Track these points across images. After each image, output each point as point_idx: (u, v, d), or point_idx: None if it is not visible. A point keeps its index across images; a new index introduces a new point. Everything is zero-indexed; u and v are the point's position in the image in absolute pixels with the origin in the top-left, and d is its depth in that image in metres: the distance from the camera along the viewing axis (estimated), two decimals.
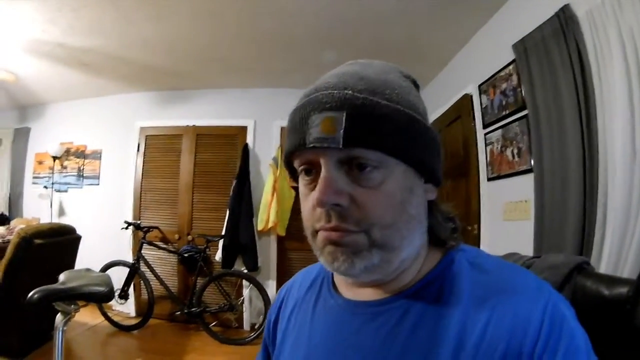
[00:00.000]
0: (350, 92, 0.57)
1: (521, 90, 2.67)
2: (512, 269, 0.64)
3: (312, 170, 0.62)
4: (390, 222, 0.59)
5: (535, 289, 0.58)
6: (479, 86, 3.30)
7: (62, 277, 1.93)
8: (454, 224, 0.72)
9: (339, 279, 0.77)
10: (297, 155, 0.63)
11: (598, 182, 1.98)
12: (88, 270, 2.18)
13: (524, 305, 0.55)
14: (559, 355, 0.50)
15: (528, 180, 2.61)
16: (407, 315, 0.62)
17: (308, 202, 0.63)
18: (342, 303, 0.72)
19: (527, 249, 2.43)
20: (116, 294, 4.33)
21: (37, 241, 3.07)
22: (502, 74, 2.94)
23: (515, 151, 2.79)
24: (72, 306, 1.82)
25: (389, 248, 0.60)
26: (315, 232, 0.63)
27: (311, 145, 0.57)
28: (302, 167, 0.64)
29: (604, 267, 1.83)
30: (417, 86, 0.70)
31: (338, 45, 3.66)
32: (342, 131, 0.55)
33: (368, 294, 0.69)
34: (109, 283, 1.96)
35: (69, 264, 3.63)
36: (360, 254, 0.59)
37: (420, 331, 0.59)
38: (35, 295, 1.70)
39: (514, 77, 2.77)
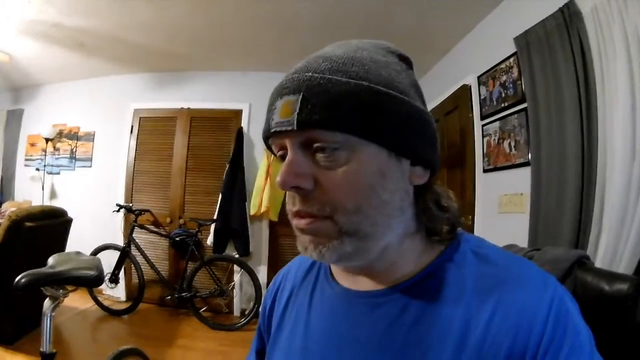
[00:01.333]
0: (310, 73, 0.56)
1: (521, 83, 2.65)
2: (517, 260, 0.63)
3: (284, 155, 0.60)
4: (354, 207, 0.57)
5: (541, 282, 0.56)
6: (478, 77, 3.28)
7: (50, 260, 1.90)
8: (448, 213, 0.67)
9: (335, 267, 0.75)
10: (270, 141, 0.62)
11: (596, 177, 1.99)
12: (78, 253, 2.14)
13: (530, 299, 0.54)
14: (563, 351, 0.50)
15: (524, 173, 2.61)
16: (408, 308, 0.60)
17: None
18: (339, 292, 0.70)
19: (521, 242, 2.42)
20: (106, 278, 4.34)
21: (28, 224, 3.06)
22: (502, 66, 2.92)
23: (513, 144, 2.78)
24: (61, 291, 1.78)
25: (361, 236, 0.58)
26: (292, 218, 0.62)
27: (272, 130, 0.58)
28: (278, 153, 0.62)
29: (599, 262, 1.84)
30: (407, 62, 0.66)
31: (338, 30, 3.62)
32: (295, 114, 0.54)
33: (365, 283, 0.67)
34: (98, 267, 1.93)
35: (60, 247, 3.62)
36: (329, 244, 0.58)
37: (421, 326, 0.58)
38: (23, 280, 1.66)
39: (515, 70, 2.75)
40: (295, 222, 0.60)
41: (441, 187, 0.69)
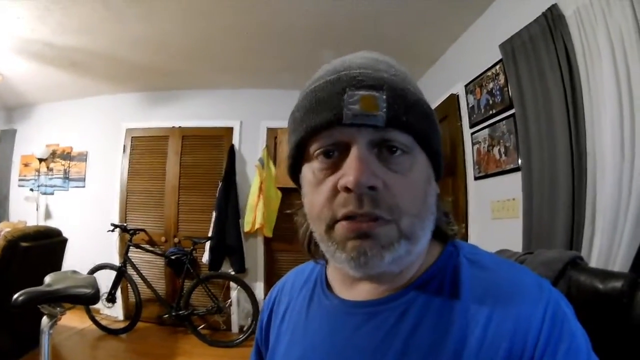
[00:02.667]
0: (386, 74, 0.57)
1: (508, 90, 2.68)
2: (510, 266, 0.64)
3: (334, 153, 0.59)
4: (417, 211, 0.59)
5: (535, 287, 0.57)
6: (466, 86, 3.31)
7: (47, 279, 1.93)
8: (448, 218, 0.70)
9: (335, 278, 0.74)
10: (322, 135, 0.58)
11: (587, 179, 2.00)
12: (74, 272, 2.16)
13: (525, 304, 0.55)
14: (559, 355, 0.50)
15: (515, 179, 2.62)
16: (406, 314, 0.61)
17: (324, 189, 0.59)
18: (337, 303, 0.70)
19: (515, 247, 2.43)
20: (104, 297, 4.33)
21: (24, 244, 3.05)
22: (488, 73, 2.95)
23: (502, 150, 2.80)
24: (58, 309, 1.81)
25: (414, 239, 0.58)
26: (333, 224, 0.58)
27: (349, 122, 0.54)
28: (322, 149, 0.59)
29: (594, 263, 1.84)
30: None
31: (328, 45, 3.66)
32: (383, 111, 0.54)
33: (363, 293, 0.67)
34: (94, 285, 1.95)
35: (56, 267, 3.59)
36: (390, 247, 0.56)
37: (420, 331, 0.58)
38: (20, 298, 1.69)
39: (501, 77, 2.78)
40: (354, 226, 0.56)
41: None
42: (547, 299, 0.55)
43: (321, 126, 0.57)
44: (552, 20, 2.18)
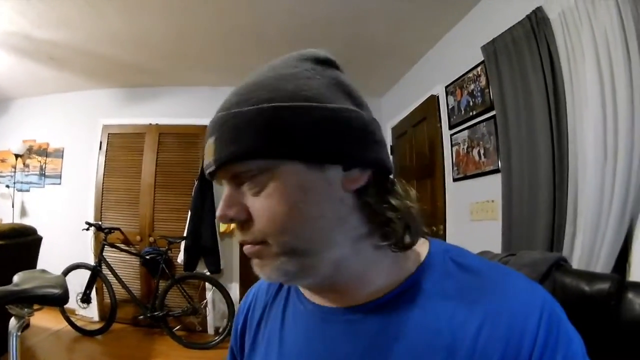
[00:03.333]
0: (221, 113, 0.58)
1: (489, 92, 2.71)
2: (501, 270, 0.61)
3: None
4: (281, 228, 0.55)
5: (529, 292, 0.55)
6: (446, 87, 3.34)
7: (15, 278, 1.87)
8: (401, 213, 0.60)
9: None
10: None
11: (568, 182, 2.02)
12: (43, 271, 2.09)
13: (519, 310, 0.53)
14: None
15: (495, 181, 2.65)
16: (390, 322, 0.58)
17: None
18: (312, 309, 0.68)
19: (494, 248, 2.44)
20: (79, 297, 4.29)
21: None
22: (470, 75, 2.98)
23: (482, 151, 2.82)
24: (26, 310, 1.75)
25: (300, 254, 0.57)
26: None
27: (206, 173, 0.60)
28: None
29: (576, 263, 1.87)
30: (324, 63, 0.63)
31: (308, 44, 3.61)
32: (213, 156, 0.56)
33: (337, 299, 0.64)
34: (63, 285, 1.89)
35: (30, 265, 3.51)
36: (269, 265, 0.57)
37: (406, 340, 0.56)
38: None
39: (482, 79, 2.81)
40: (244, 249, 0.60)
41: (403, 186, 0.64)
42: (541, 305, 0.53)
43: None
44: (537, 23, 2.21)
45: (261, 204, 0.55)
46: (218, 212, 0.58)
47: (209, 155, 0.57)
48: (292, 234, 0.55)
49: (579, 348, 0.51)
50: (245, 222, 0.57)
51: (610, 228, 1.75)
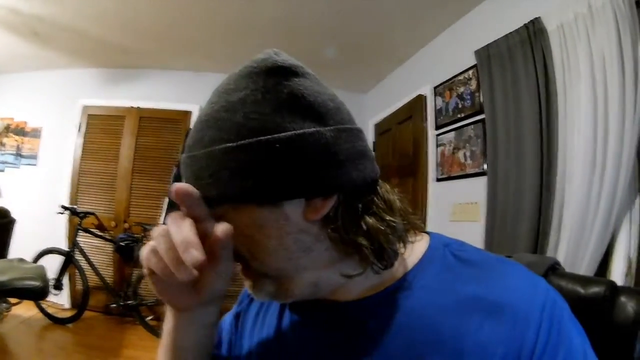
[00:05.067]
0: (185, 155, 0.57)
1: (479, 95, 2.74)
2: (501, 261, 0.60)
3: None
4: (250, 255, 0.57)
5: (531, 286, 0.55)
6: (435, 88, 3.37)
7: None
8: (380, 243, 0.56)
9: None
10: None
11: (555, 189, 2.07)
12: (21, 260, 1.98)
13: (521, 302, 0.52)
14: (559, 357, 0.49)
15: (479, 183, 2.69)
16: (394, 317, 0.57)
17: None
18: (311, 303, 0.66)
19: None
20: (51, 284, 4.12)
21: None
22: (460, 78, 3.01)
23: (468, 154, 2.86)
24: (4, 305, 1.65)
25: (274, 277, 0.59)
26: None
27: None
28: None
29: None
30: (278, 74, 0.54)
31: (295, 37, 3.63)
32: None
33: (336, 294, 0.63)
34: (43, 277, 1.80)
35: (2, 249, 3.40)
36: (256, 284, 0.60)
37: (411, 335, 0.55)
38: None
39: (473, 82, 2.84)
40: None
41: (386, 195, 0.61)
42: (543, 300, 0.52)
43: None
44: (534, 33, 2.25)
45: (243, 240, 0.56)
46: None
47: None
48: (259, 261, 0.57)
49: (580, 342, 0.51)
50: None
51: (594, 236, 1.81)
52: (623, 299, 1.01)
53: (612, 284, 1.05)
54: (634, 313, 0.98)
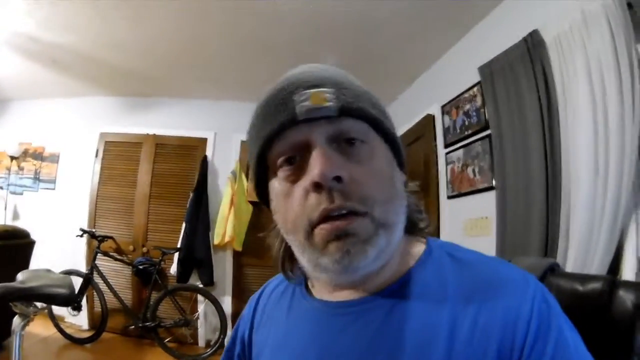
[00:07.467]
0: (328, 74, 0.61)
1: (484, 111, 2.78)
2: (493, 261, 0.64)
3: (295, 158, 0.60)
4: (387, 197, 0.60)
5: (522, 282, 0.58)
6: (442, 107, 3.41)
7: (20, 276, 1.83)
8: (419, 208, 0.71)
9: (316, 284, 0.74)
10: (280, 141, 0.60)
11: (561, 197, 2.08)
12: (48, 271, 2.06)
13: (513, 297, 0.55)
14: (549, 347, 0.51)
15: (489, 198, 2.70)
16: (393, 312, 0.60)
17: (294, 196, 0.60)
18: (318, 305, 0.70)
19: None
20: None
21: None
22: (466, 95, 3.05)
23: (477, 169, 2.88)
24: (31, 308, 1.72)
25: (389, 226, 0.59)
26: (311, 230, 0.58)
27: (303, 117, 0.57)
28: (283, 157, 0.61)
29: None
30: None
31: (310, 60, 3.71)
32: (334, 101, 0.57)
33: (346, 294, 0.67)
34: (70, 285, 1.87)
35: (23, 269, 3.45)
36: (370, 240, 0.57)
37: (409, 329, 0.58)
38: None
39: (478, 99, 2.88)
40: (331, 227, 0.56)
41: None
42: (533, 292, 0.56)
43: (277, 130, 0.59)
44: (532, 45, 2.29)
45: (371, 172, 0.59)
46: (320, 169, 0.54)
47: (320, 100, 0.57)
48: (391, 204, 0.60)
49: (569, 334, 0.53)
50: (346, 185, 0.56)
51: (602, 243, 1.81)
52: (622, 292, 1.02)
53: (611, 279, 1.07)
54: (633, 306, 1.00)
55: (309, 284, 0.76)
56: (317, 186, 0.55)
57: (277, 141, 0.60)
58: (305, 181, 0.57)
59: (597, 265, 1.81)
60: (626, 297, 1.00)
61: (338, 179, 0.55)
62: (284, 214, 0.62)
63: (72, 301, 1.84)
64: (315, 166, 0.55)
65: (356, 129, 0.59)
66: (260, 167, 0.65)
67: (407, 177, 0.71)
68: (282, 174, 0.61)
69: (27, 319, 1.72)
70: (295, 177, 0.60)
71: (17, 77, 4.75)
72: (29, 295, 1.70)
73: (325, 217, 0.56)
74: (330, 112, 0.57)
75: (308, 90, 0.57)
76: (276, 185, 0.63)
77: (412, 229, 0.69)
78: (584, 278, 1.13)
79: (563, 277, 1.20)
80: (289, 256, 0.73)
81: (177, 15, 3.20)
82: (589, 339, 0.59)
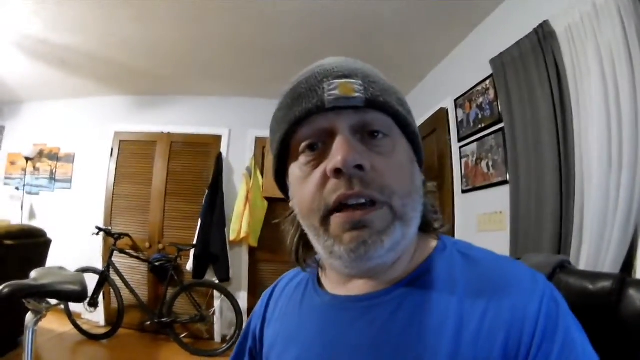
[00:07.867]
0: (357, 66, 0.63)
1: (497, 104, 2.74)
2: (504, 259, 0.64)
3: (317, 145, 0.61)
4: (406, 190, 0.60)
5: (530, 279, 0.58)
6: (455, 100, 3.37)
7: (33, 274, 1.87)
8: (434, 208, 0.72)
9: (328, 277, 0.75)
10: (305, 126, 0.61)
11: (574, 190, 2.05)
12: (61, 268, 2.11)
13: (521, 296, 0.55)
14: (556, 347, 0.51)
15: (503, 192, 2.66)
16: (402, 307, 0.61)
17: (313, 179, 0.60)
18: (328, 300, 0.71)
19: None
20: (86, 301, 4.24)
21: (8, 242, 3.00)
22: (478, 88, 3.01)
23: (490, 163, 2.85)
24: (44, 304, 1.75)
25: (407, 220, 0.60)
26: (327, 215, 0.59)
27: (331, 106, 0.58)
28: (306, 142, 0.62)
29: None
30: None
31: (317, 55, 3.68)
32: (362, 92, 0.59)
33: (357, 289, 0.67)
34: (82, 282, 1.90)
35: (39, 267, 3.52)
36: (387, 231, 0.57)
37: (416, 323, 0.58)
38: (5, 290, 1.62)
39: (491, 92, 2.84)
40: (348, 215, 0.57)
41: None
42: (542, 291, 0.55)
43: (304, 115, 0.60)
44: (543, 37, 2.25)
45: (393, 164, 0.60)
46: (343, 155, 0.55)
47: (348, 90, 0.58)
48: (410, 198, 0.61)
49: (577, 334, 0.53)
50: (367, 174, 0.57)
51: (615, 237, 1.77)
52: (632, 292, 1.00)
53: (621, 277, 1.04)
54: None
55: (322, 275, 0.77)
56: (338, 172, 0.56)
57: (302, 126, 0.61)
58: (326, 166, 0.58)
59: (610, 262, 1.78)
60: (636, 297, 0.98)
61: (359, 167, 0.56)
62: (301, 197, 0.63)
63: (84, 298, 1.86)
64: (338, 152, 0.56)
65: (380, 122, 0.60)
66: (282, 149, 0.66)
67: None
68: (303, 159, 0.63)
69: (39, 315, 1.75)
70: (316, 163, 0.61)
71: (28, 79, 4.82)
72: (41, 292, 1.73)
73: (342, 205, 0.57)
74: (357, 103, 0.58)
75: (337, 80, 0.59)
76: (296, 170, 0.64)
77: (426, 228, 0.70)
78: (594, 276, 1.10)
79: (573, 274, 1.17)
80: (304, 244, 0.74)
81: (184, 12, 3.20)
82: (598, 338, 0.57)
